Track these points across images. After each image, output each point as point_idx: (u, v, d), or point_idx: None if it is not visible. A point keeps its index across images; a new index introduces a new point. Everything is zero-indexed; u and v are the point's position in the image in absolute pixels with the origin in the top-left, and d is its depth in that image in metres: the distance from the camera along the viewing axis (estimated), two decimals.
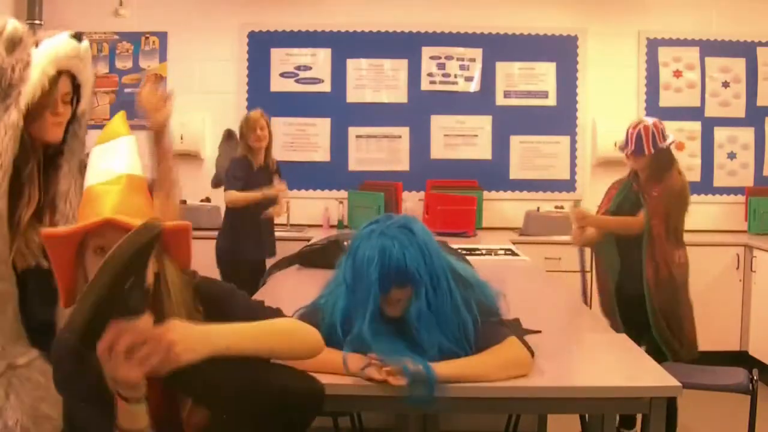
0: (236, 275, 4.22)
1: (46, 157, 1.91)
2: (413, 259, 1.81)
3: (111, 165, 1.52)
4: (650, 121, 3.60)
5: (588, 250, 4.10)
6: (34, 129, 1.84)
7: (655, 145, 3.51)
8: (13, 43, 1.80)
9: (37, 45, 1.82)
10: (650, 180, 3.58)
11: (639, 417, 3.46)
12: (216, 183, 5.21)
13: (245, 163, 4.51)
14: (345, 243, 3.31)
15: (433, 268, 1.86)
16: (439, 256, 1.90)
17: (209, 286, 1.64)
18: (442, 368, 1.81)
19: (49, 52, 1.82)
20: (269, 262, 4.27)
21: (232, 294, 1.68)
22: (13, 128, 1.76)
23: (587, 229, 3.76)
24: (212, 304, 1.58)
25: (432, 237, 1.93)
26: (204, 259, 3.98)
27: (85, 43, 1.91)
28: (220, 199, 4.82)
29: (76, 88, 1.93)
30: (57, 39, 1.84)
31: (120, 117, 1.64)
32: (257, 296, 2.15)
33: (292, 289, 3.20)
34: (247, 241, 4.55)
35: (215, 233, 4.68)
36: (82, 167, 1.86)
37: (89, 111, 1.98)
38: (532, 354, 1.96)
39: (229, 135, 5.33)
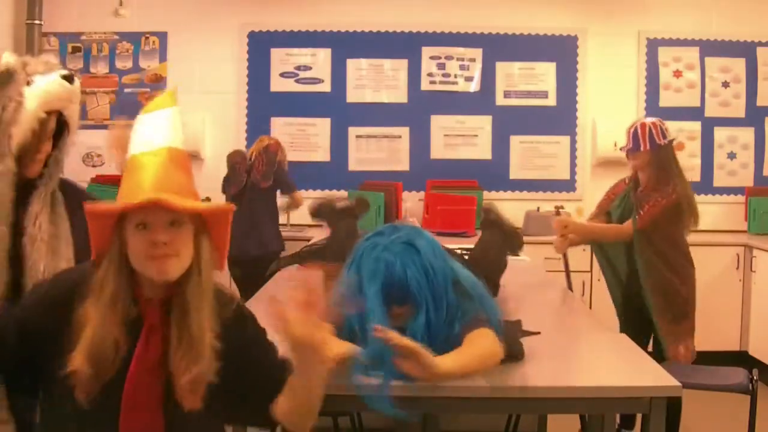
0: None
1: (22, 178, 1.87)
2: (415, 278, 1.79)
3: (152, 136, 1.54)
4: (650, 120, 3.57)
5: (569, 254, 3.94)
6: (17, 165, 1.81)
7: (652, 141, 3.47)
8: (4, 80, 1.77)
9: (29, 83, 1.78)
10: (647, 190, 3.50)
11: (639, 417, 3.46)
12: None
13: None
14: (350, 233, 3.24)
15: (435, 286, 1.82)
16: (443, 270, 1.87)
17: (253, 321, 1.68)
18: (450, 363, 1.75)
19: (40, 94, 1.78)
20: None
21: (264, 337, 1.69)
22: (8, 174, 1.76)
23: (569, 235, 3.70)
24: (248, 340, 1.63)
25: (437, 250, 1.89)
26: None
27: (76, 83, 1.88)
28: (220, 199, 4.81)
29: (62, 123, 1.90)
30: (49, 80, 1.80)
31: (171, 93, 1.64)
32: (257, 297, 2.15)
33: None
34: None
35: None
36: (55, 193, 1.88)
37: (72, 141, 1.93)
38: (522, 355, 1.96)
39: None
